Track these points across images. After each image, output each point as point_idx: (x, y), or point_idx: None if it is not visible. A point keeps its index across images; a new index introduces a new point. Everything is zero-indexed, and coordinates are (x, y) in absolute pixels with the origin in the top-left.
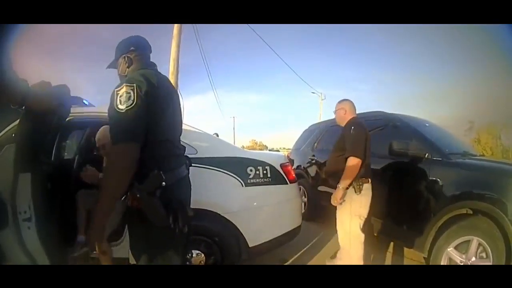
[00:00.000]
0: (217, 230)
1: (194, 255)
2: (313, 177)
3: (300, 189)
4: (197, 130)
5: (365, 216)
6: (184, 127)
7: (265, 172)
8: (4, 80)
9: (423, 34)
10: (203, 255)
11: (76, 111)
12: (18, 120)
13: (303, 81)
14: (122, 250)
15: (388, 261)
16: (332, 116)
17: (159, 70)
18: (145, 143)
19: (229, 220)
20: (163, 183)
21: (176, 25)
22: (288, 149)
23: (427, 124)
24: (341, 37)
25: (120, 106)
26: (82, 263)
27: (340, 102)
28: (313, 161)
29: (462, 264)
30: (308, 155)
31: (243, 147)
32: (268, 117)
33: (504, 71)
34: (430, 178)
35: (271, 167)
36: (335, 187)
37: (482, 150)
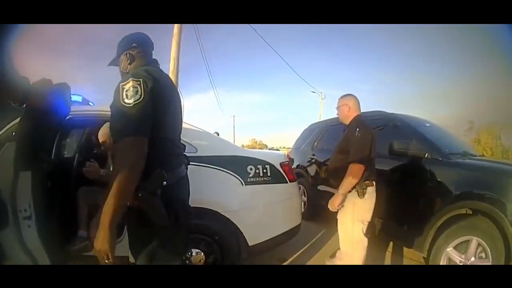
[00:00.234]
0: (217, 229)
1: (194, 253)
2: (313, 176)
3: (299, 188)
4: (197, 129)
5: (369, 220)
6: (184, 125)
7: (265, 171)
8: (5, 78)
9: (423, 34)
10: (202, 253)
11: (76, 110)
12: (19, 118)
13: (303, 80)
14: (122, 249)
15: (387, 261)
16: (332, 115)
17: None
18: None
19: (229, 219)
20: (165, 182)
21: (176, 24)
22: (288, 148)
23: (427, 124)
24: (341, 37)
25: (126, 101)
26: (81, 256)
27: (343, 97)
28: (313, 161)
29: (461, 264)
30: (308, 154)
31: (243, 146)
32: (268, 116)
33: (504, 71)
34: (430, 178)
35: (271, 166)
36: (337, 188)
37: (482, 150)
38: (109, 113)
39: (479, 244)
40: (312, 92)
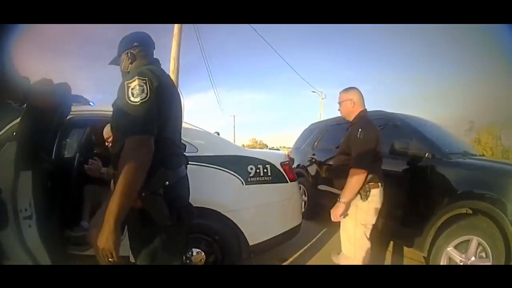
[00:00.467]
0: (217, 228)
1: (194, 253)
2: (313, 176)
3: (300, 188)
4: (198, 129)
5: (373, 223)
6: (185, 125)
7: (265, 170)
8: (6, 78)
9: (423, 34)
10: (203, 253)
11: (77, 109)
12: (19, 118)
13: (303, 80)
14: (123, 248)
15: (388, 261)
16: (333, 115)
17: None
18: None
19: (229, 218)
20: (167, 182)
21: (176, 24)
22: (288, 148)
23: (427, 124)
24: (341, 37)
25: (133, 99)
26: (81, 256)
27: (345, 91)
28: (313, 160)
29: (461, 263)
30: (308, 154)
31: (243, 145)
32: (268, 116)
33: (504, 71)
34: (430, 178)
35: (272, 165)
36: (340, 188)
37: (482, 150)
38: (110, 113)
39: (479, 244)
40: (312, 92)
